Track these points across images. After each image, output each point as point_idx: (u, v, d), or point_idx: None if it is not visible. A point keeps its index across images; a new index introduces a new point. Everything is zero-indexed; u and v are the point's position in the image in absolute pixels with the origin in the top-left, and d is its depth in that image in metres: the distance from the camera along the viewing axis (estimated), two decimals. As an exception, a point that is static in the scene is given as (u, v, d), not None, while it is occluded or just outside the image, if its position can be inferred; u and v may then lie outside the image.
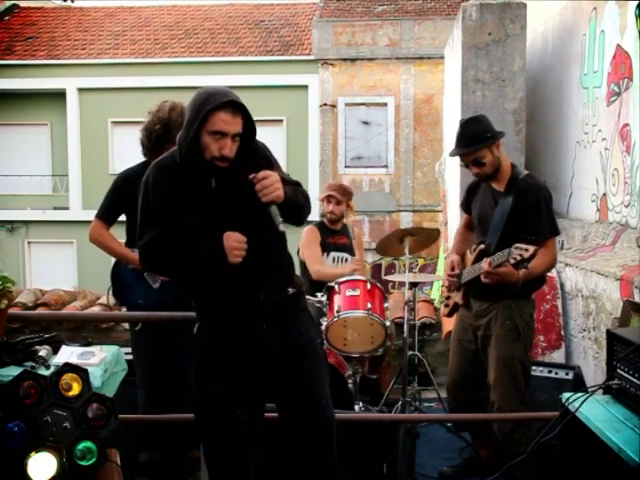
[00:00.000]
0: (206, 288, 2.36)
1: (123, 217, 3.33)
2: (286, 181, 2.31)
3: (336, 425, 2.43)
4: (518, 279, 3.11)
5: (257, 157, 2.35)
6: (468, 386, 3.49)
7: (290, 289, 2.40)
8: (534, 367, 3.72)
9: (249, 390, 2.37)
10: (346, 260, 4.54)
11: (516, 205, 3.22)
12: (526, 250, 2.94)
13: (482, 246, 3.32)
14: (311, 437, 2.36)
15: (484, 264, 3.14)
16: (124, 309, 3.59)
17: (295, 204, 2.33)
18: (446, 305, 3.67)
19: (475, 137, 3.23)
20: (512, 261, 2.98)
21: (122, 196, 3.26)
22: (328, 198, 4.53)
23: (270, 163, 2.38)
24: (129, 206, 3.23)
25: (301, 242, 4.50)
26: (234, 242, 2.20)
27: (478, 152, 3.23)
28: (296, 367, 2.36)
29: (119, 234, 3.32)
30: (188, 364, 2.45)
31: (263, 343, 2.33)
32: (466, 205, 3.58)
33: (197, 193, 2.28)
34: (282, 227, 2.24)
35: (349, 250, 4.59)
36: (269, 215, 2.23)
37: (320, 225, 4.58)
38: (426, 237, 4.37)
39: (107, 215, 3.29)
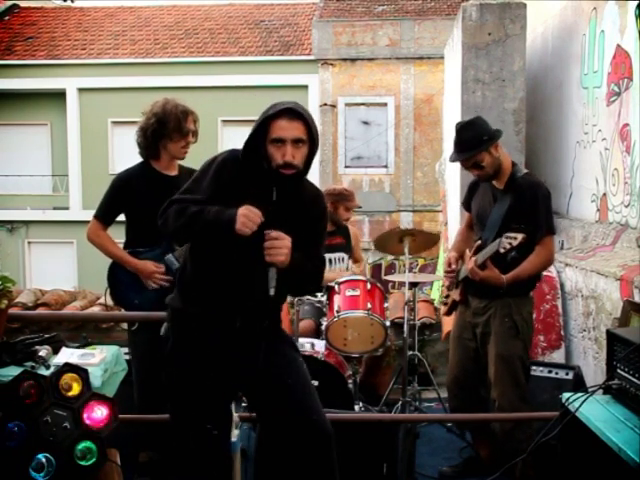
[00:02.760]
0: (201, 283, 2.35)
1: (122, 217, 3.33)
2: (306, 255, 2.30)
3: (336, 426, 2.42)
4: (502, 283, 3.17)
5: (317, 205, 2.43)
6: (468, 384, 3.49)
7: (267, 321, 2.40)
8: (534, 367, 3.73)
9: (222, 405, 2.38)
10: (343, 260, 4.53)
11: (514, 202, 3.23)
12: (515, 238, 3.00)
13: (479, 242, 3.33)
14: (310, 453, 2.34)
15: (469, 262, 3.16)
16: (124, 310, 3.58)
17: (295, 278, 2.32)
18: (445, 303, 3.68)
19: (472, 142, 3.23)
20: (502, 250, 3.03)
21: (120, 197, 3.26)
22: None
23: (316, 223, 2.42)
24: (127, 207, 3.24)
25: None
26: (249, 212, 2.18)
27: (476, 156, 3.23)
28: (279, 385, 2.35)
29: (118, 234, 3.32)
30: None
31: (240, 360, 2.34)
32: (467, 203, 3.59)
33: (256, 196, 2.26)
34: (272, 291, 2.22)
35: (345, 250, 4.58)
36: (267, 274, 2.22)
37: None
38: (425, 240, 4.37)
39: (104, 215, 3.30)
